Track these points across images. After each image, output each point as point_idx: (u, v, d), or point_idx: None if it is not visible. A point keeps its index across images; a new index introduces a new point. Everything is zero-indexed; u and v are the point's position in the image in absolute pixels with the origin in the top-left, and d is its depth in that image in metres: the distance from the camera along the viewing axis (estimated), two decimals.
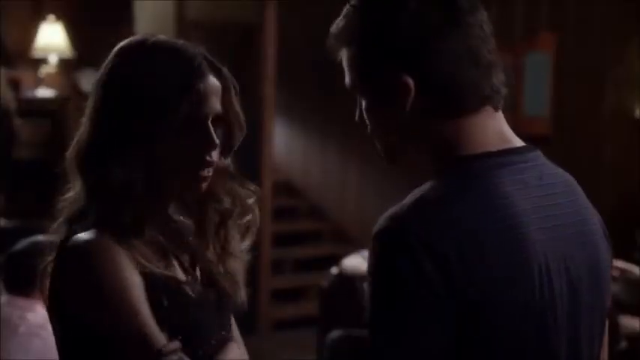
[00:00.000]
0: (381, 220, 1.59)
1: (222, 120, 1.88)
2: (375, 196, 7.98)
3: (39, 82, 7.74)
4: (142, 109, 1.79)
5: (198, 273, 1.93)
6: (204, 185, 1.86)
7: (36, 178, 7.65)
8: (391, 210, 1.60)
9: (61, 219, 1.88)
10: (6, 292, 3.46)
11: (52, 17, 7.68)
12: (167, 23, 8.76)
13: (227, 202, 1.94)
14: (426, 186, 1.64)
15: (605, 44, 6.34)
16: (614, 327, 4.48)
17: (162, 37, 1.89)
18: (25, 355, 3.28)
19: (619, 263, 4.92)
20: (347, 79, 1.74)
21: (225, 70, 1.89)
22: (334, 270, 5.74)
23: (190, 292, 1.86)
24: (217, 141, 1.85)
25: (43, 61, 7.74)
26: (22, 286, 3.42)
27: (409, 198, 1.61)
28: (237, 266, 1.97)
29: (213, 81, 1.85)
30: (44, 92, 7.75)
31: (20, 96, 7.48)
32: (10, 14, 7.56)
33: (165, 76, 1.81)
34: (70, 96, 7.91)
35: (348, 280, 5.61)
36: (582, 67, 6.45)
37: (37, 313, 3.37)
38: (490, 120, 1.70)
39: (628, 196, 6.09)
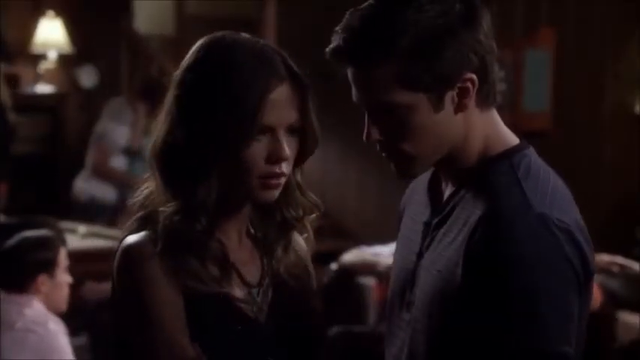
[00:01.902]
0: (513, 219, 1.61)
1: (297, 129, 1.77)
2: (374, 192, 7.97)
3: (38, 78, 7.73)
4: (221, 113, 1.72)
5: (265, 287, 1.85)
6: (276, 193, 1.78)
7: (35, 174, 7.65)
8: (510, 208, 1.62)
9: (135, 217, 1.80)
10: (1, 289, 3.46)
11: (51, 13, 7.67)
12: (166, 18, 8.75)
13: (291, 212, 1.85)
14: (503, 182, 1.66)
15: (605, 41, 6.33)
16: (612, 323, 4.47)
17: (243, 35, 1.81)
18: (21, 351, 3.28)
19: (619, 259, 4.91)
20: (382, 92, 1.66)
21: (304, 77, 1.78)
22: (333, 266, 5.73)
23: (247, 311, 1.79)
24: (288, 152, 1.75)
25: (42, 56, 7.73)
26: (16, 282, 3.41)
27: (515, 196, 1.64)
28: (302, 272, 1.90)
29: (290, 87, 1.75)
30: (43, 88, 7.74)
31: (19, 92, 7.47)
32: (9, 10, 7.55)
33: (246, 80, 1.72)
34: (69, 92, 7.91)
35: (348, 275, 5.61)
36: (582, 64, 6.44)
37: (34, 309, 3.37)
38: (496, 113, 1.76)
39: (628, 192, 6.09)
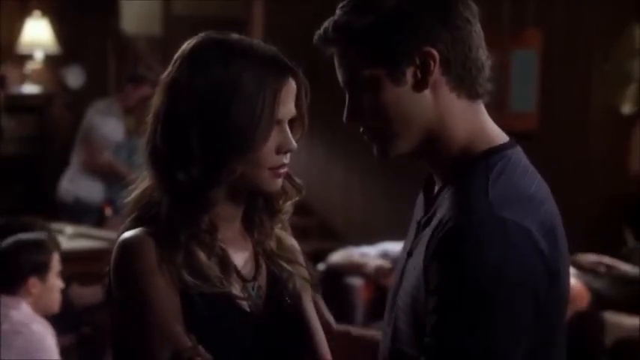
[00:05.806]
0: (470, 220, 1.60)
1: (292, 120, 1.85)
2: (360, 192, 7.98)
3: (24, 79, 7.71)
4: (236, 112, 1.75)
5: (259, 281, 1.88)
6: (280, 181, 1.83)
7: (21, 174, 7.63)
8: (471, 210, 1.61)
9: (131, 216, 1.83)
10: None
11: (37, 13, 7.65)
12: (153, 18, 8.74)
13: (277, 198, 1.89)
14: (474, 184, 1.65)
15: (592, 41, 6.35)
16: (599, 322, 4.48)
17: (235, 36, 1.83)
18: (7, 353, 3.27)
19: (606, 259, 4.93)
20: (351, 69, 1.70)
21: (300, 72, 1.83)
22: (321, 266, 5.73)
23: (243, 305, 1.82)
24: (295, 144, 1.82)
25: (28, 57, 7.72)
26: (6, 283, 3.41)
27: (478, 198, 1.62)
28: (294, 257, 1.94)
29: (291, 82, 1.81)
30: (30, 88, 7.73)
31: (6, 92, 7.46)
32: None
33: (259, 78, 1.77)
34: (56, 92, 7.90)
35: (335, 276, 5.61)
36: (569, 64, 6.45)
37: (21, 311, 3.37)
38: (485, 110, 1.74)
39: (615, 193, 6.11)
